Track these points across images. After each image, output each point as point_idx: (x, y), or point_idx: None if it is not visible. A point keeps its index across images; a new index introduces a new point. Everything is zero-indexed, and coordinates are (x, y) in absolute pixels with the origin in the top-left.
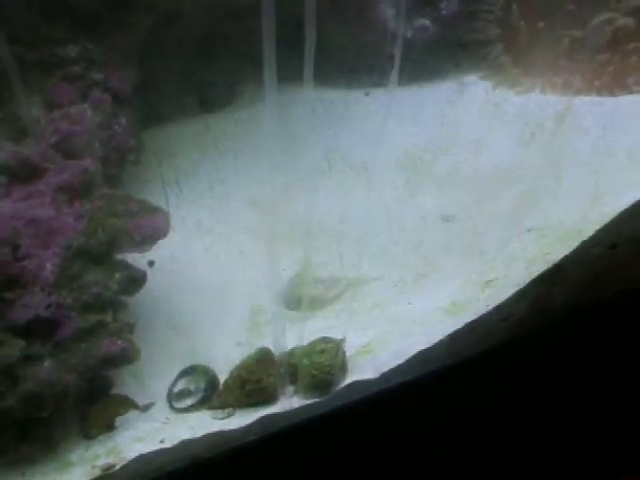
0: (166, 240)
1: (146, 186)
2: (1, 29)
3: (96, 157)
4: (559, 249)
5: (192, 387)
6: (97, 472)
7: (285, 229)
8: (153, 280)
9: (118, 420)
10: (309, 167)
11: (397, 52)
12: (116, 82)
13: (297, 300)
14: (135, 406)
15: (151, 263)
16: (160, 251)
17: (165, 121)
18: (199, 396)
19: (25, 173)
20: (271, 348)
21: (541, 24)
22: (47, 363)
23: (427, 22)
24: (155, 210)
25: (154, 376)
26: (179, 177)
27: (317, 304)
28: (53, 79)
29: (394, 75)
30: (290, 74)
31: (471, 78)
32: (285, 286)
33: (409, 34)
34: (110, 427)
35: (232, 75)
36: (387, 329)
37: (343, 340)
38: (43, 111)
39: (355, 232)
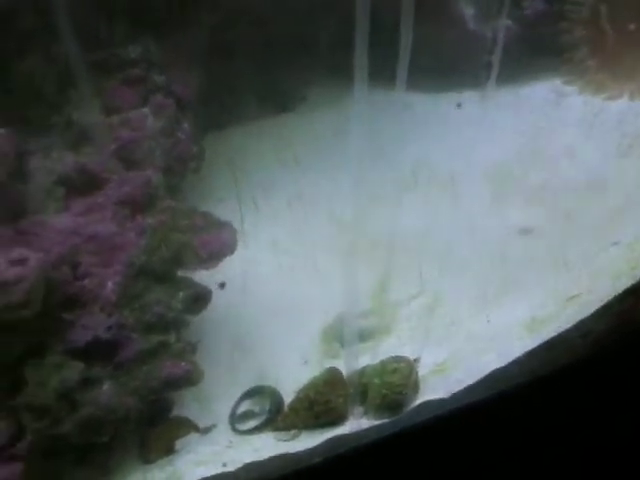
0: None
1: (208, 196)
2: (59, 29)
3: (158, 167)
4: None
5: (256, 409)
6: None
7: (366, 246)
8: (220, 298)
9: (178, 443)
10: (394, 180)
11: (495, 59)
12: (179, 85)
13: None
14: (196, 429)
15: (222, 285)
16: (231, 268)
17: (227, 126)
18: (263, 418)
19: (84, 184)
20: (342, 367)
21: (631, 26)
22: (107, 386)
23: (510, 22)
24: (221, 225)
25: (216, 398)
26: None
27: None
28: (113, 82)
29: (491, 83)
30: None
31: (555, 83)
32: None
33: (489, 34)
34: (170, 451)
35: (297, 78)
36: (463, 347)
37: (418, 360)
38: (102, 116)
39: (437, 248)
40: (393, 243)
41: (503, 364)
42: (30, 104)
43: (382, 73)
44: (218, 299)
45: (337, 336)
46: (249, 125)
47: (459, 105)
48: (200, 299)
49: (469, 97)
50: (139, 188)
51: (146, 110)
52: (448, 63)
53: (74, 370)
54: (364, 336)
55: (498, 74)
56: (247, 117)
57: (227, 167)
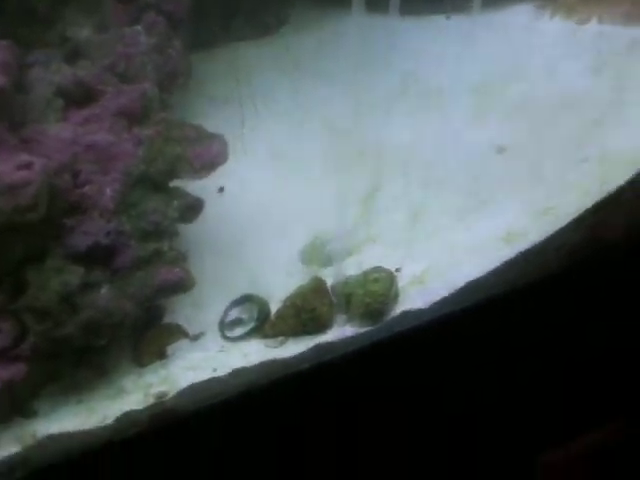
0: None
1: (194, 111)
2: None
3: (153, 81)
4: (616, 178)
5: (245, 316)
6: (151, 400)
7: (357, 154)
8: (218, 202)
9: (170, 349)
10: (385, 90)
11: None
12: (170, 4)
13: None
14: (186, 335)
15: (221, 189)
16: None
17: (213, 46)
18: (251, 325)
19: (82, 96)
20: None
21: None
22: (105, 290)
23: None
24: (213, 137)
25: (206, 306)
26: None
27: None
28: (105, 0)
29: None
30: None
31: (528, 7)
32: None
33: None
34: (162, 355)
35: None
36: (443, 258)
37: (399, 269)
38: (95, 33)
39: (422, 159)
40: (381, 153)
41: (480, 275)
42: (24, 22)
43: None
44: (215, 204)
45: (324, 246)
46: (235, 45)
47: (448, 17)
48: (193, 208)
49: (454, 19)
50: (135, 100)
51: (139, 27)
52: None
53: (75, 274)
54: (349, 246)
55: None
56: (233, 37)
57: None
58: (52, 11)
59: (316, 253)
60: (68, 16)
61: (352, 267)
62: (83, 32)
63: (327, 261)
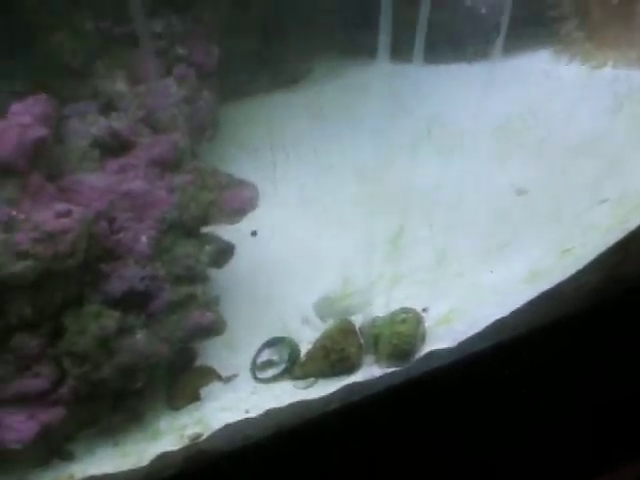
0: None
1: (223, 161)
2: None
3: (184, 131)
4: (636, 218)
5: (275, 358)
6: (185, 441)
7: (383, 198)
8: (246, 251)
9: (203, 391)
10: (410, 135)
11: (503, 23)
12: (200, 57)
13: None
14: (219, 377)
15: (254, 233)
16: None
17: (241, 96)
18: (282, 366)
19: (117, 146)
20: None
21: (614, 1)
22: (140, 334)
23: None
24: (243, 183)
25: (236, 348)
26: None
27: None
28: (137, 54)
29: (497, 46)
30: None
31: (545, 53)
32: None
33: (482, 10)
34: (195, 398)
35: (303, 51)
36: (467, 298)
37: (426, 310)
38: (128, 86)
39: (447, 201)
40: (407, 196)
41: (504, 315)
42: (59, 76)
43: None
44: (246, 248)
45: (340, 301)
46: (262, 95)
47: (469, 63)
48: (224, 253)
49: (475, 65)
50: (167, 149)
51: (170, 79)
52: (449, 38)
53: (112, 318)
54: (367, 299)
55: (492, 46)
56: (259, 88)
57: (247, 128)
58: (85, 65)
59: (329, 308)
60: (101, 70)
61: (380, 308)
62: (116, 85)
63: (341, 315)
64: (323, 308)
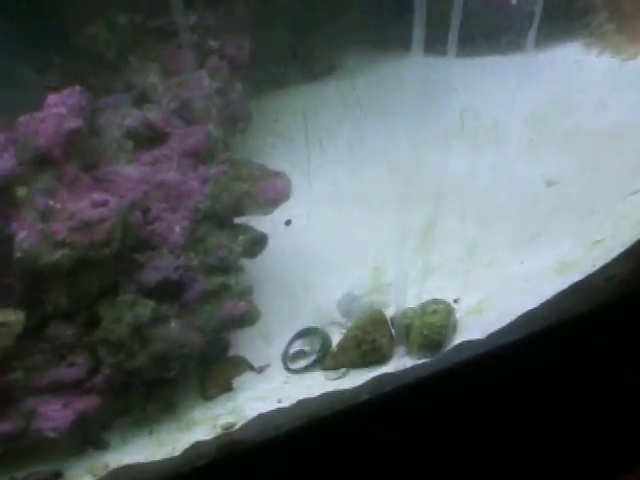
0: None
1: (256, 152)
2: None
3: (217, 122)
4: None
5: (307, 348)
6: (219, 431)
7: (417, 190)
8: (279, 241)
9: (235, 381)
10: (443, 127)
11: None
12: (232, 49)
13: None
14: (252, 368)
15: (288, 222)
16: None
17: (273, 88)
18: (314, 357)
19: (150, 138)
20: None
21: None
22: (174, 324)
23: None
24: (276, 174)
25: (269, 338)
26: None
27: None
28: (170, 47)
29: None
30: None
31: (576, 45)
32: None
33: (514, 1)
34: (228, 388)
35: (333, 46)
36: (498, 289)
37: (457, 300)
38: (161, 78)
39: (478, 192)
40: (439, 187)
41: (535, 305)
42: (93, 69)
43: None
44: (279, 239)
45: (360, 299)
46: (294, 88)
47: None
48: (257, 243)
49: (508, 58)
50: (201, 140)
51: (203, 72)
52: (482, 30)
53: (146, 308)
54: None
55: (523, 39)
56: (291, 81)
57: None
58: (119, 58)
59: (352, 306)
60: (134, 63)
61: (412, 299)
62: (149, 78)
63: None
64: (346, 306)
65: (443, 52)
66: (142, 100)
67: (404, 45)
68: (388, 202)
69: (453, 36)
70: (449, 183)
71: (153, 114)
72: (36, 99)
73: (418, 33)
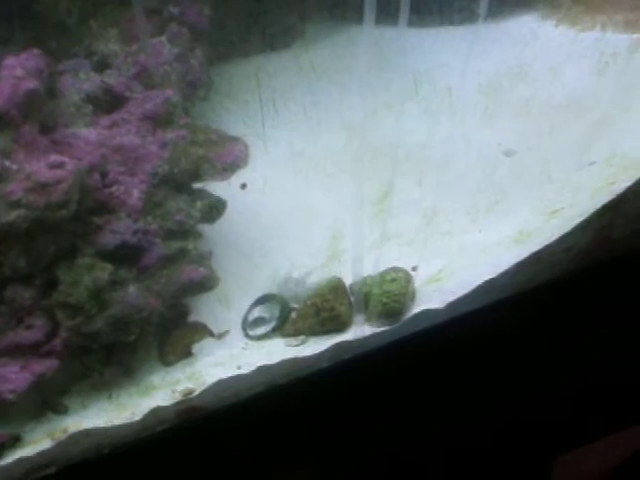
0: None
1: (214, 119)
2: None
3: (176, 88)
4: (624, 180)
5: (266, 315)
6: (178, 396)
7: (372, 153)
8: (237, 206)
9: (194, 347)
10: (397, 92)
11: None
12: (193, 16)
13: None
14: (211, 334)
15: (243, 186)
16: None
17: (232, 57)
18: (273, 324)
19: (109, 103)
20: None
21: None
22: (132, 288)
23: None
24: (234, 140)
25: (228, 304)
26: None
27: None
28: (131, 13)
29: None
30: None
31: (532, 16)
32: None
33: None
34: (187, 354)
35: (294, 14)
36: (457, 258)
37: (415, 268)
38: (121, 45)
39: (435, 158)
40: (395, 152)
41: (494, 275)
42: (53, 35)
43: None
44: (237, 203)
45: (343, 245)
46: (254, 57)
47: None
48: (216, 208)
49: (460, 29)
50: (159, 105)
51: (163, 38)
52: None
53: (104, 271)
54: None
55: (478, 9)
56: (251, 50)
57: (239, 86)
58: (80, 25)
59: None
60: (94, 29)
61: (370, 267)
62: (109, 44)
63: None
64: (291, 290)
65: (396, 23)
66: (102, 66)
67: (360, 17)
68: (344, 167)
69: (405, 7)
70: (405, 149)
71: (112, 79)
72: None
73: (370, 4)
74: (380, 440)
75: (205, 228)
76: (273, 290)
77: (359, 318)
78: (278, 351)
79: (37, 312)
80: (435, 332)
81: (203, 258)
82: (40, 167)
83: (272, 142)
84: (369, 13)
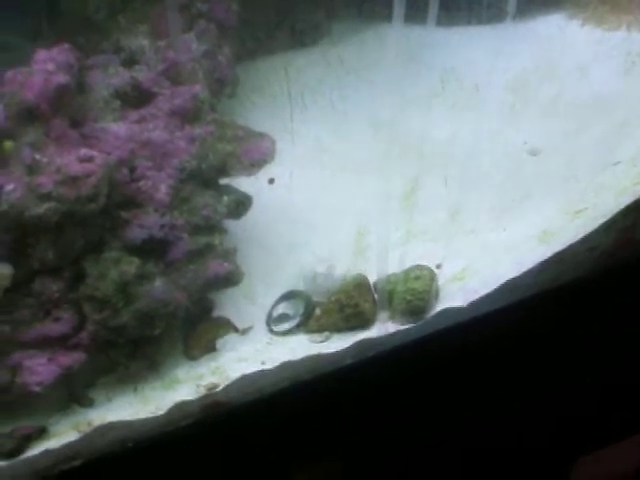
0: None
1: (242, 116)
2: None
3: (204, 84)
4: None
5: (291, 311)
6: (202, 390)
7: (400, 149)
8: (264, 202)
9: (219, 342)
10: (425, 90)
11: None
12: (221, 13)
13: None
14: (235, 329)
15: (271, 180)
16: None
17: (260, 54)
18: (297, 320)
19: (137, 98)
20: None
21: None
22: (159, 282)
23: None
24: (261, 136)
25: (253, 300)
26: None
27: None
28: (159, 9)
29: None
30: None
31: (558, 16)
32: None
33: None
34: (211, 349)
35: (323, 12)
36: (481, 256)
37: (439, 266)
38: (149, 41)
39: (461, 155)
40: (422, 148)
41: (517, 274)
42: (81, 31)
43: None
44: (264, 199)
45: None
46: (281, 54)
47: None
48: (242, 204)
49: (489, 28)
50: (188, 101)
51: (191, 34)
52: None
53: (131, 265)
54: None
55: (506, 9)
56: (278, 47)
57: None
58: (108, 21)
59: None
60: (123, 25)
61: (394, 264)
62: (138, 40)
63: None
64: (320, 286)
65: (425, 21)
66: (130, 61)
67: (389, 15)
68: (371, 163)
69: (434, 6)
70: (432, 145)
71: (141, 74)
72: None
73: (399, 3)
74: (403, 437)
75: (231, 223)
76: (298, 286)
77: (383, 315)
78: (302, 347)
79: (64, 305)
80: (458, 330)
81: (228, 253)
82: (70, 160)
83: (300, 137)
84: (398, 10)
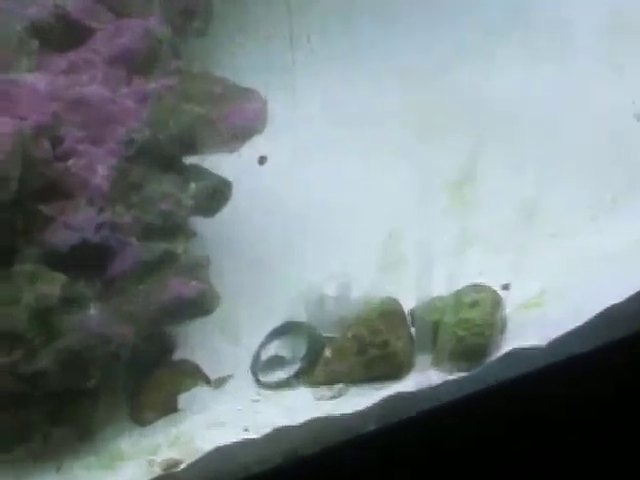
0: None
1: (217, 62)
2: None
3: (162, 17)
4: None
5: (287, 353)
6: (157, 470)
7: (445, 114)
8: (247, 191)
9: (182, 399)
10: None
11: None
12: None
13: None
14: (206, 379)
15: (262, 159)
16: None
17: None
18: (297, 366)
19: (64, 36)
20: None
21: None
22: (94, 310)
23: None
24: (248, 93)
25: (233, 334)
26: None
27: None
28: None
29: None
30: None
31: None
32: None
33: None
34: (172, 408)
35: None
36: (567, 272)
37: (507, 287)
38: None
39: (536, 126)
40: (478, 114)
41: (618, 300)
42: None
43: None
44: (251, 181)
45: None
46: None
47: None
48: (218, 194)
49: None
50: (137, 40)
51: None
52: None
53: (54, 284)
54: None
55: None
56: None
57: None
58: None
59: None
60: None
61: (440, 283)
62: None
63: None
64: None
65: None
66: None
67: None
68: (405, 135)
69: None
70: (494, 110)
71: (69, 1)
72: None
73: None
74: None
75: (202, 222)
76: (298, 315)
77: (423, 359)
78: (304, 406)
79: None
80: (532, 381)
81: (198, 267)
82: None
83: (303, 96)
84: None
